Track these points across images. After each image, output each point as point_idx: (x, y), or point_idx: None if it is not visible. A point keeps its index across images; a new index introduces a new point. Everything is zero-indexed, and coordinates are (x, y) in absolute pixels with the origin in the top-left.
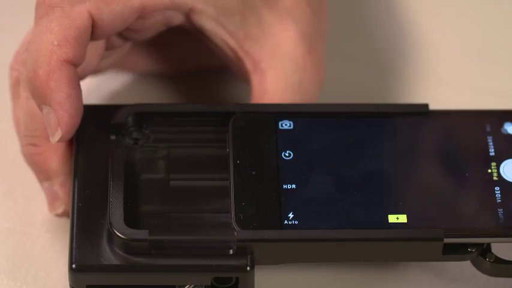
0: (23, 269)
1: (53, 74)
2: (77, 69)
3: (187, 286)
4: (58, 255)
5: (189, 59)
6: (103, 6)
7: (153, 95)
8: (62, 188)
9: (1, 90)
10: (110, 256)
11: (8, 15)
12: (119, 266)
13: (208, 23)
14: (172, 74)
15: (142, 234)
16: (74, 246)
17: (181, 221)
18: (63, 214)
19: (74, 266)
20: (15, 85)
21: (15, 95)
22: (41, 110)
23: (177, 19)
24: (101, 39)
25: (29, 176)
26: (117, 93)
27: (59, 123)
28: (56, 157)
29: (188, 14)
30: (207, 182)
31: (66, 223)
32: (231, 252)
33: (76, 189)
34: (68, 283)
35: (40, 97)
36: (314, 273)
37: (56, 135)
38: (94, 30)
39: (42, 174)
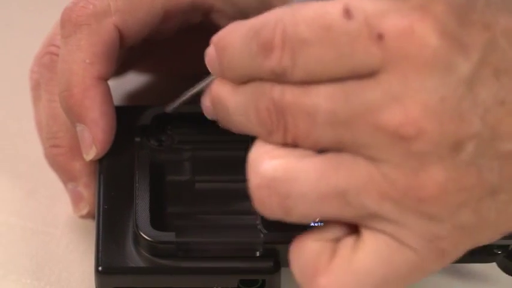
0: (47, 269)
1: (88, 92)
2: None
3: None
4: (82, 255)
5: None
6: (128, 17)
7: (172, 96)
8: (86, 189)
9: (22, 92)
10: (136, 258)
11: (28, 16)
12: (145, 268)
13: (226, 22)
14: (192, 73)
15: (168, 236)
16: (100, 248)
17: (207, 223)
18: (87, 215)
19: (100, 268)
20: (35, 88)
21: (36, 98)
22: (74, 127)
23: (196, 18)
24: (127, 47)
25: (52, 176)
26: (137, 94)
27: (94, 141)
28: (79, 158)
29: (207, 13)
30: (232, 183)
31: (90, 223)
32: (257, 254)
33: (101, 191)
34: (91, 283)
35: (74, 115)
36: None
37: (91, 153)
38: (121, 41)
39: (66, 176)
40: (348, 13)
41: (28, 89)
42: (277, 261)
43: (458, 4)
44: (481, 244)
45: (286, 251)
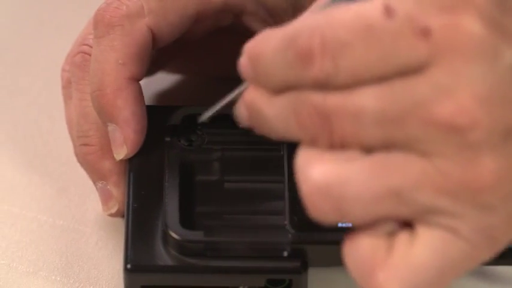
0: (76, 267)
1: (120, 93)
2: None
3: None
4: (111, 253)
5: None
6: (161, 19)
7: (202, 96)
8: (116, 188)
9: (55, 90)
10: (164, 257)
11: (61, 15)
12: (173, 266)
13: (258, 25)
14: (222, 75)
15: (197, 235)
16: (129, 246)
17: (236, 223)
18: (117, 214)
19: (129, 266)
20: (66, 87)
21: (67, 96)
22: (105, 127)
23: (227, 20)
24: (159, 48)
25: (82, 174)
26: (167, 94)
27: (125, 141)
28: (109, 156)
29: (239, 15)
30: (261, 184)
31: (119, 221)
32: (285, 254)
33: (131, 190)
34: (120, 281)
35: (106, 115)
36: None
37: (122, 153)
38: (153, 42)
39: (96, 174)
40: (388, 11)
41: (60, 87)
42: (305, 261)
43: None
44: None
45: (314, 251)
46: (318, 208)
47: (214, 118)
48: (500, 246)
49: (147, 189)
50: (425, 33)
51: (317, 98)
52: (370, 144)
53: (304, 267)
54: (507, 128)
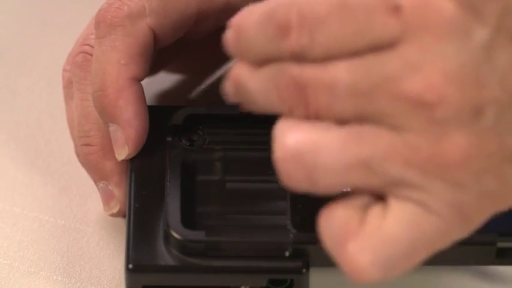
0: (78, 266)
1: (122, 93)
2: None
3: (243, 287)
4: (113, 252)
5: None
6: (163, 19)
7: (204, 96)
8: (117, 188)
9: (56, 90)
10: (166, 257)
11: (62, 15)
12: (175, 266)
13: None
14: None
15: (199, 235)
16: (131, 246)
17: (237, 223)
18: (118, 214)
19: (130, 266)
20: (67, 86)
21: (68, 96)
22: (107, 127)
23: (229, 19)
24: (161, 47)
25: (84, 174)
26: (168, 93)
27: (127, 141)
28: (111, 156)
29: None
30: (263, 184)
31: (120, 221)
32: (287, 254)
33: (132, 190)
34: (121, 281)
35: (108, 115)
36: None
37: (123, 153)
38: (154, 42)
39: (97, 174)
40: None
41: (60, 87)
42: (306, 261)
43: None
44: (503, 209)
45: (316, 251)
46: (291, 175)
47: (215, 118)
48: (473, 224)
49: (148, 189)
50: (396, 9)
51: (294, 70)
52: (343, 116)
53: (305, 267)
54: (476, 106)
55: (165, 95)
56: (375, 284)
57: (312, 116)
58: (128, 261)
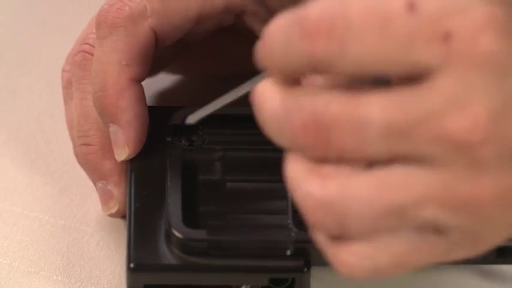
0: (78, 266)
1: (123, 93)
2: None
3: (244, 287)
4: (113, 252)
5: (240, 61)
6: (164, 21)
7: (204, 97)
8: (116, 188)
9: (56, 90)
10: (167, 256)
11: (62, 15)
12: (176, 265)
13: (258, 25)
14: (224, 75)
15: (200, 234)
16: (132, 245)
17: (239, 222)
18: (117, 214)
19: (132, 265)
20: (67, 87)
21: (67, 97)
22: (107, 127)
23: (229, 21)
24: (161, 48)
25: (84, 174)
26: (168, 94)
27: (127, 142)
28: (110, 156)
29: (240, 16)
30: (263, 183)
31: (120, 221)
32: (288, 253)
33: (133, 190)
34: (122, 281)
35: (108, 116)
36: None
37: (123, 154)
38: (156, 43)
39: (96, 174)
40: (412, 6)
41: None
42: (308, 260)
43: None
44: None
45: (317, 250)
46: (320, 223)
47: (215, 118)
48: (482, 249)
49: (148, 189)
50: (446, 36)
51: (318, 105)
52: (373, 158)
53: (307, 266)
54: None
55: (165, 96)
56: (374, 282)
57: (332, 157)
58: (129, 261)
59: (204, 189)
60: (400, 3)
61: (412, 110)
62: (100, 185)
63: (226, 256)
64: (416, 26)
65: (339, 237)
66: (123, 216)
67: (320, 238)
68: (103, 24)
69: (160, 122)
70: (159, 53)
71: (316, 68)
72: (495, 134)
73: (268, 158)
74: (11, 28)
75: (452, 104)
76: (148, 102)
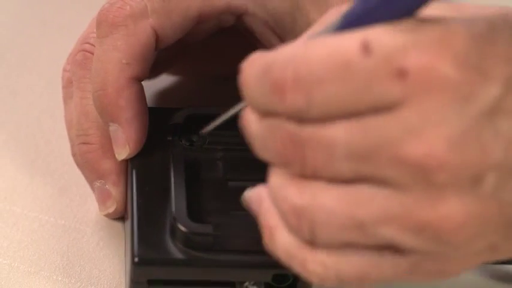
0: (77, 266)
1: (122, 92)
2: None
3: (247, 283)
4: (112, 252)
5: (241, 61)
6: (165, 20)
7: (204, 97)
8: (115, 187)
9: (56, 90)
10: (172, 250)
11: (64, 15)
12: (181, 260)
13: (258, 26)
14: (224, 75)
15: (206, 228)
16: (136, 240)
17: (243, 219)
18: (114, 214)
19: (136, 259)
20: (67, 86)
21: (67, 96)
22: (107, 126)
23: (229, 22)
24: (161, 48)
25: None
26: (168, 94)
27: (127, 141)
28: (109, 155)
29: (241, 16)
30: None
31: (120, 221)
32: None
33: (135, 187)
34: (121, 281)
35: (108, 115)
36: None
37: (124, 153)
38: (156, 42)
39: (95, 173)
40: (366, 49)
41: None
42: None
43: (480, 36)
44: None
45: None
46: (295, 227)
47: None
48: (450, 276)
49: (151, 186)
50: (400, 74)
51: (292, 127)
52: (342, 176)
53: None
54: (477, 172)
55: (166, 96)
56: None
57: (309, 173)
58: (133, 255)
59: (206, 188)
60: (355, 46)
61: (373, 136)
62: (98, 184)
63: (230, 251)
64: (372, 67)
65: (311, 243)
66: (120, 217)
67: (291, 246)
68: (103, 23)
69: (160, 122)
70: (160, 55)
71: (287, 117)
72: (452, 160)
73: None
74: (11, 28)
75: (410, 132)
76: (149, 102)
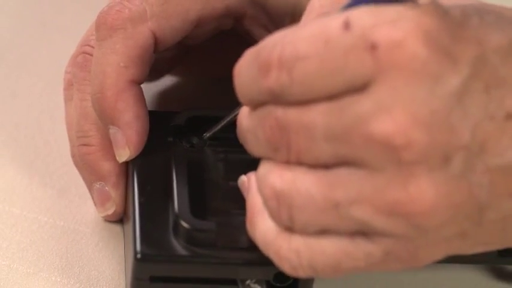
0: (77, 267)
1: (121, 95)
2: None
3: (249, 280)
4: (111, 253)
5: None
6: (163, 23)
7: (203, 100)
8: (114, 189)
9: (56, 91)
10: (174, 247)
11: (65, 17)
12: (183, 256)
13: (257, 29)
14: (224, 76)
15: (209, 225)
16: (138, 237)
17: (244, 218)
18: (112, 216)
19: (138, 255)
20: (68, 88)
21: (68, 97)
22: (107, 129)
23: (229, 25)
24: (161, 51)
25: None
26: (168, 96)
27: (127, 143)
28: (109, 157)
29: (240, 19)
30: None
31: (120, 222)
32: None
33: (136, 186)
34: (120, 282)
35: (107, 118)
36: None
37: (124, 155)
38: (155, 45)
39: (95, 175)
40: (347, 25)
41: (61, 88)
42: None
43: (452, 20)
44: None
45: None
46: (275, 213)
47: (216, 121)
48: (419, 264)
49: (152, 185)
50: (372, 47)
51: (279, 112)
52: (323, 159)
53: None
54: (445, 152)
55: (166, 98)
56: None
57: (293, 159)
58: (135, 251)
59: (208, 187)
60: (338, 23)
61: (347, 115)
62: (97, 186)
63: (233, 249)
64: (350, 42)
65: (288, 229)
66: (118, 219)
67: (269, 232)
68: (102, 26)
69: (161, 124)
70: (160, 56)
71: (271, 98)
72: (420, 138)
73: None
74: (11, 29)
75: (379, 109)
76: (149, 104)
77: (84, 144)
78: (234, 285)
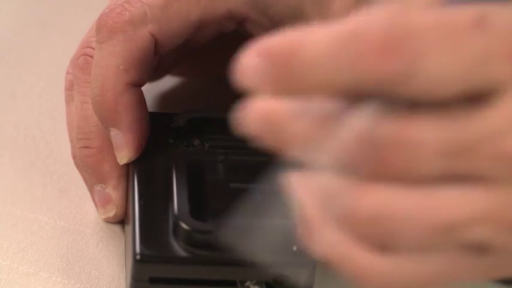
0: (77, 268)
1: (121, 98)
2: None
3: (249, 282)
4: (111, 254)
5: None
6: (164, 26)
7: (204, 102)
8: (115, 191)
9: (57, 92)
10: (174, 248)
11: (66, 18)
12: (183, 257)
13: (259, 32)
14: (226, 77)
15: (209, 226)
16: (138, 238)
17: (244, 220)
18: (113, 218)
19: (138, 256)
20: (69, 89)
21: (68, 99)
22: (107, 132)
23: (230, 27)
24: (161, 54)
25: None
26: (169, 98)
27: (127, 145)
28: (110, 159)
29: (242, 22)
30: (266, 185)
31: (120, 222)
32: (294, 248)
33: (136, 188)
34: (121, 282)
35: (108, 120)
36: None
37: (125, 157)
38: (155, 48)
39: (96, 177)
40: (480, 23)
41: (62, 89)
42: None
43: None
44: None
45: None
46: (367, 238)
47: (217, 123)
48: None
49: (152, 187)
50: None
51: (366, 123)
52: (426, 177)
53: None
54: None
55: (167, 98)
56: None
57: (380, 176)
58: (135, 252)
59: (208, 189)
60: (468, 19)
61: (472, 130)
62: (98, 188)
63: (232, 250)
64: (488, 43)
65: (382, 248)
66: (119, 221)
67: (341, 246)
68: (103, 28)
69: (161, 126)
70: (160, 59)
71: (377, 89)
72: None
73: (268, 161)
74: (11, 29)
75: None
76: (149, 104)
77: (85, 147)
78: (233, 286)
